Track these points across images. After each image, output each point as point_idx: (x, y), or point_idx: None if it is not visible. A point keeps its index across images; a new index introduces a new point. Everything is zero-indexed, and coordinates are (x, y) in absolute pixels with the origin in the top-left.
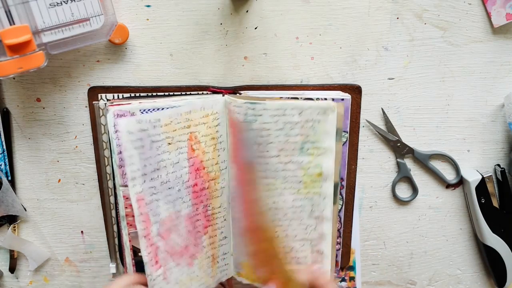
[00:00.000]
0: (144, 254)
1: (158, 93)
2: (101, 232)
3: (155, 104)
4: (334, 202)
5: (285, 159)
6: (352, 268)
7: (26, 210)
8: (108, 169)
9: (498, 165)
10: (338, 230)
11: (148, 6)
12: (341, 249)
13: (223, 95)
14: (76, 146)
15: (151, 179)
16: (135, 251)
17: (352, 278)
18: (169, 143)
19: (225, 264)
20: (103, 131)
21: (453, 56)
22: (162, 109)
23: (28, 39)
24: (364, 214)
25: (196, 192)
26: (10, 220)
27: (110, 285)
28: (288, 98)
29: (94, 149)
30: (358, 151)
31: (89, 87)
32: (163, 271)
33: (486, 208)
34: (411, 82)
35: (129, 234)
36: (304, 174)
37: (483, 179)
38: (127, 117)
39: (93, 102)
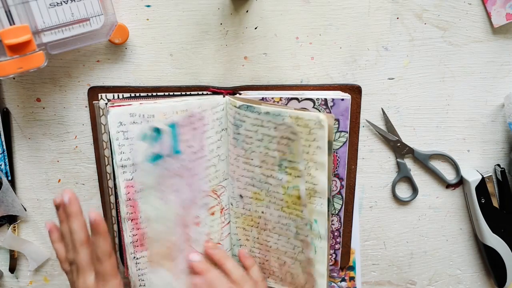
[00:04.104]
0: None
1: (158, 93)
2: None
3: (156, 105)
4: (329, 216)
5: (267, 172)
6: (352, 268)
7: (26, 210)
8: (108, 169)
9: (498, 165)
10: (338, 230)
11: (148, 6)
12: (341, 249)
13: (223, 96)
14: (76, 146)
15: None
16: None
17: (352, 278)
18: None
19: None
20: (103, 131)
21: (453, 56)
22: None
23: (28, 39)
24: (364, 214)
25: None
26: (10, 220)
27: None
28: (287, 99)
29: (94, 149)
30: (358, 151)
31: (89, 87)
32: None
33: (486, 208)
34: (411, 82)
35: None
36: (285, 193)
37: (483, 179)
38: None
39: (93, 102)
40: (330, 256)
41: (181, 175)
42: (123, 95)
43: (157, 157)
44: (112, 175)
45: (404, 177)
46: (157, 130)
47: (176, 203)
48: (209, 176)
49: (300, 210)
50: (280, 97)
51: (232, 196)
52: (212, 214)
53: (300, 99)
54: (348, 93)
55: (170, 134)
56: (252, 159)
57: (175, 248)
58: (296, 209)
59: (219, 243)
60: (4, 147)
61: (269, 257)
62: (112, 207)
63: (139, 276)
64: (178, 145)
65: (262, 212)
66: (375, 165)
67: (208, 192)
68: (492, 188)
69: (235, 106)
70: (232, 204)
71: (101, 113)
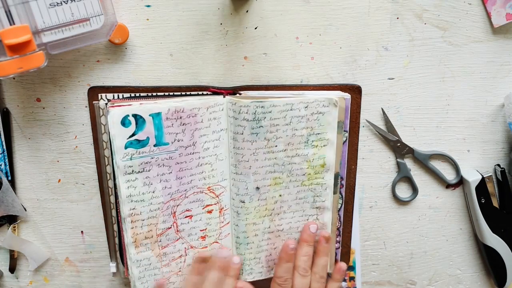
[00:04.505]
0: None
1: (158, 93)
2: (101, 232)
3: (156, 105)
4: (335, 192)
5: (292, 153)
6: (352, 268)
7: (26, 210)
8: (108, 169)
9: (498, 165)
10: (338, 229)
11: (148, 6)
12: (340, 249)
13: (224, 96)
14: (76, 146)
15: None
16: None
17: (352, 278)
18: None
19: None
20: (103, 131)
21: (453, 56)
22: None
23: (28, 39)
24: (364, 214)
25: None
26: (10, 220)
27: None
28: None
29: (94, 149)
30: (358, 151)
31: (89, 87)
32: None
33: (486, 208)
34: (411, 82)
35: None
36: (308, 166)
37: (483, 179)
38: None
39: (93, 102)
40: None
41: (169, 166)
42: (123, 95)
43: (140, 144)
44: (112, 175)
45: (404, 177)
46: (139, 117)
47: (163, 192)
48: (204, 173)
49: (322, 177)
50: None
51: (245, 194)
52: (209, 212)
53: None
54: (348, 93)
55: (152, 123)
56: (276, 146)
57: (158, 232)
58: (317, 177)
59: (217, 242)
60: (4, 147)
61: (278, 244)
62: (112, 207)
63: (140, 278)
64: (164, 137)
65: (280, 195)
66: (375, 165)
67: (202, 189)
68: (492, 188)
69: (253, 101)
70: (244, 202)
71: (101, 113)
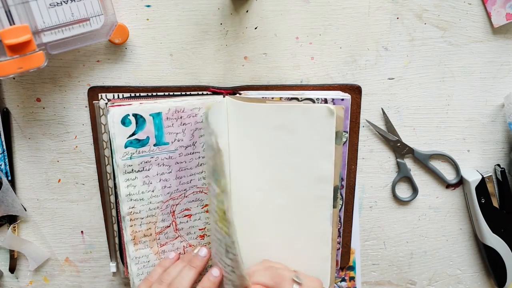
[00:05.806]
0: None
1: (158, 93)
2: (101, 232)
3: (156, 105)
4: (334, 206)
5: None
6: (352, 268)
7: (26, 210)
8: (108, 169)
9: (498, 165)
10: (338, 230)
11: (148, 6)
12: (341, 249)
13: (224, 96)
14: (76, 146)
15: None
16: None
17: (352, 278)
18: None
19: None
20: (103, 131)
21: (453, 56)
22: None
23: (28, 39)
24: (364, 214)
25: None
26: (10, 220)
27: None
28: (287, 99)
29: (94, 149)
30: (358, 151)
31: (89, 87)
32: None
33: (486, 208)
34: (411, 82)
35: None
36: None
37: (483, 179)
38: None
39: (93, 102)
40: None
41: (169, 165)
42: (123, 95)
43: (140, 144)
44: (112, 175)
45: (404, 177)
46: (139, 117)
47: (163, 191)
48: (203, 173)
49: (227, 227)
50: (280, 97)
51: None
52: (208, 212)
53: (300, 99)
54: (348, 93)
55: (152, 123)
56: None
57: (157, 230)
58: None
59: None
60: (4, 147)
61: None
62: (112, 207)
63: (138, 275)
64: (164, 136)
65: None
66: (375, 165)
67: (202, 188)
68: (492, 188)
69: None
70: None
71: (101, 113)
